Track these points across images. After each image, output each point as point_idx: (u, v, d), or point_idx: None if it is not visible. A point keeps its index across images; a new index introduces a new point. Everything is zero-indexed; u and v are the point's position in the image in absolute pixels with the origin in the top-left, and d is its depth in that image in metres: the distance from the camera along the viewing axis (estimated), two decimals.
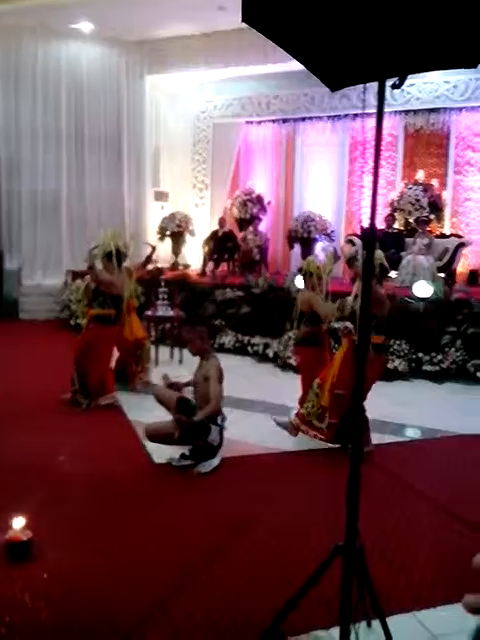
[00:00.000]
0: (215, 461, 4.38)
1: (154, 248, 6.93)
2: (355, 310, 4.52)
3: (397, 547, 3.33)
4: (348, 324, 4.69)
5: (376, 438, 4.93)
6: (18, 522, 3.11)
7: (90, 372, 5.76)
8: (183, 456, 4.40)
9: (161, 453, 4.52)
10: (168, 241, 11.88)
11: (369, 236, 2.22)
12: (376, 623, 2.35)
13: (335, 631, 2.26)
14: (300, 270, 4.98)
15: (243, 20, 2.03)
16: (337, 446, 4.80)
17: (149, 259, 6.81)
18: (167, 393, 4.58)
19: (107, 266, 5.80)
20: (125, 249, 5.94)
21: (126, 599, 2.76)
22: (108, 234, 5.88)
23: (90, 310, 5.87)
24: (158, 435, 4.46)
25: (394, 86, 2.13)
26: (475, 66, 2.09)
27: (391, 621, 2.28)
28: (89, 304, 5.94)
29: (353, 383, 4.19)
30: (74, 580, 2.90)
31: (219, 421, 4.42)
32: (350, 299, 4.75)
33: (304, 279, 5.34)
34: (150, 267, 7.49)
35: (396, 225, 10.54)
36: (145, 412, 5.27)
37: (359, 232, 10.23)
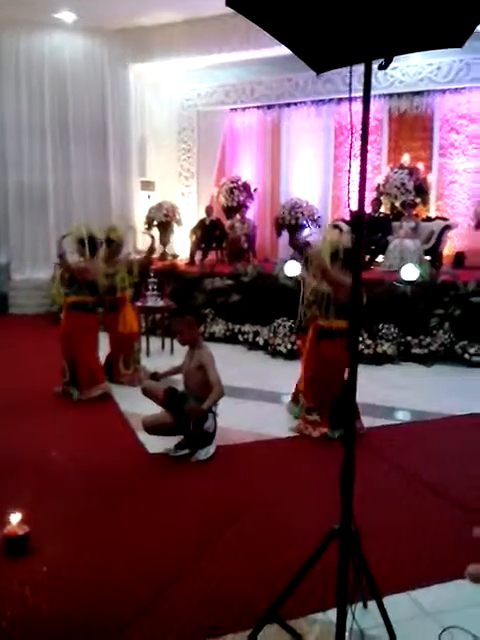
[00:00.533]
0: (212, 448, 4.42)
1: (153, 237, 6.95)
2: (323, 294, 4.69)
3: (391, 528, 3.39)
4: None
5: (367, 422, 4.98)
6: (15, 517, 3.13)
7: (78, 362, 5.76)
8: (179, 446, 4.43)
9: (155, 444, 4.55)
10: (155, 231, 11.84)
11: (358, 220, 2.23)
12: (372, 604, 2.40)
13: (332, 613, 2.31)
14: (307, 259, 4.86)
15: (227, 4, 2.02)
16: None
17: (152, 250, 6.80)
18: (153, 385, 4.61)
19: (80, 253, 5.83)
20: (99, 236, 5.95)
21: (124, 589, 2.80)
22: (81, 223, 5.96)
23: (67, 298, 5.85)
24: (155, 426, 4.49)
25: (380, 67, 2.13)
26: (461, 45, 2.09)
27: (387, 601, 2.32)
28: (66, 292, 5.90)
29: (320, 367, 4.23)
30: (72, 573, 2.93)
31: (213, 408, 4.46)
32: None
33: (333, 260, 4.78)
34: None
35: (382, 209, 10.56)
36: (138, 402, 5.26)
37: (348, 217, 10.25)
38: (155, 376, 4.70)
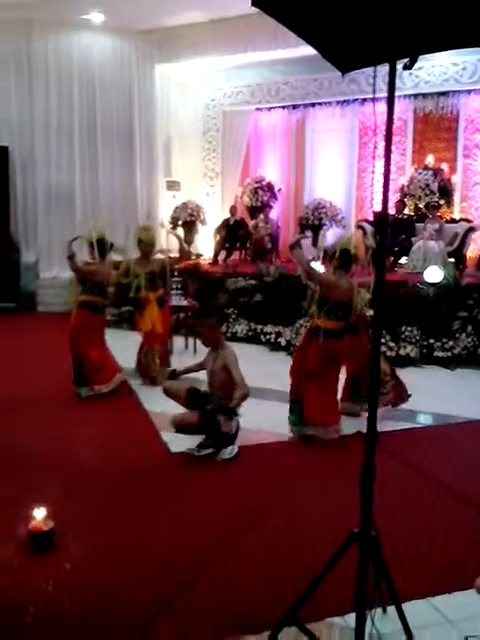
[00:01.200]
0: (235, 448, 4.48)
1: (180, 238, 6.99)
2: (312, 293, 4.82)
3: (411, 533, 3.38)
4: None
5: (389, 425, 4.97)
6: (40, 512, 3.19)
7: (83, 360, 5.87)
8: (202, 445, 4.47)
9: (178, 443, 4.59)
10: (180, 231, 11.90)
11: (382, 221, 2.23)
12: (391, 609, 2.40)
13: (351, 617, 2.32)
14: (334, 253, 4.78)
15: (253, 4, 2.02)
16: (351, 433, 4.86)
17: (183, 250, 6.81)
18: (174, 385, 4.68)
19: (91, 255, 6.00)
20: (108, 239, 6.10)
21: (146, 587, 2.84)
22: (92, 225, 6.20)
23: (78, 297, 6.00)
24: (183, 425, 4.57)
25: (405, 67, 2.13)
26: None
27: (406, 607, 2.33)
28: (78, 291, 6.05)
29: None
30: (95, 569, 2.98)
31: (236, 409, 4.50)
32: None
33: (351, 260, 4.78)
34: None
35: (406, 211, 10.49)
36: (161, 401, 5.31)
37: (371, 217, 10.20)
38: (174, 374, 4.76)
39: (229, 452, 4.42)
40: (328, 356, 4.72)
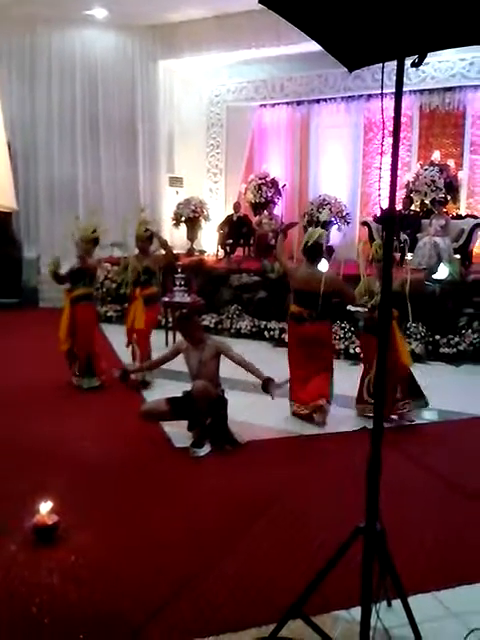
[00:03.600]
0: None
1: (153, 233, 6.88)
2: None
3: (416, 528, 3.37)
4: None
5: (395, 421, 4.95)
6: (44, 506, 3.19)
7: (92, 351, 6.04)
8: (197, 445, 4.43)
9: (181, 438, 4.58)
10: (183, 227, 11.90)
11: (388, 217, 2.22)
12: (396, 603, 2.39)
13: (356, 611, 2.31)
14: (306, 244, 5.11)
15: (260, 2, 2.01)
16: (356, 429, 4.85)
17: (165, 245, 6.71)
18: (152, 406, 4.71)
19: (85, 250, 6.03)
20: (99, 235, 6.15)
21: (150, 580, 2.83)
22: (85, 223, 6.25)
23: (72, 292, 6.02)
24: (153, 415, 4.64)
25: (414, 64, 2.11)
26: None
27: (411, 601, 2.31)
28: (70, 288, 6.09)
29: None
30: (99, 563, 2.97)
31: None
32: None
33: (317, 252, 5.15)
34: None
35: (412, 207, 10.45)
36: (164, 395, 5.32)
37: (379, 214, 10.17)
38: (125, 375, 4.78)
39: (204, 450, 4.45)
40: (294, 337, 5.24)
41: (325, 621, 2.50)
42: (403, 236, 5.18)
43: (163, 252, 6.58)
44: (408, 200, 10.26)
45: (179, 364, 4.86)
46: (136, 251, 6.34)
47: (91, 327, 6.11)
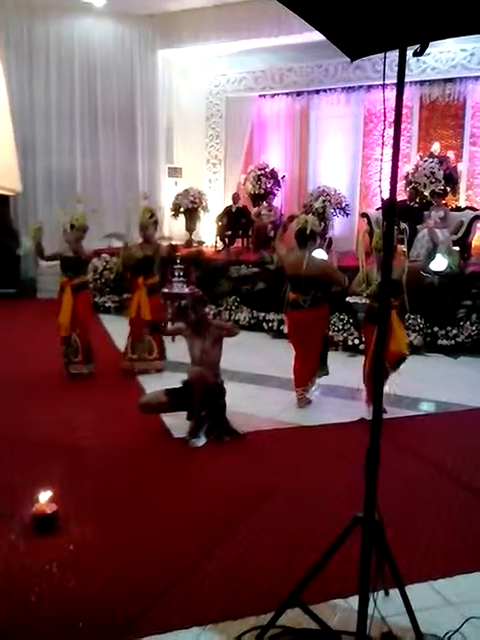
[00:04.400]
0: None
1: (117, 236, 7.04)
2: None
3: (414, 518, 3.39)
4: None
5: (392, 412, 4.96)
6: (43, 496, 3.20)
7: (90, 338, 6.12)
8: (194, 434, 4.45)
9: (180, 428, 4.59)
10: (182, 218, 11.87)
11: (389, 208, 2.22)
12: (394, 592, 2.41)
13: (354, 599, 2.32)
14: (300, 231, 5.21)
15: None
16: (354, 420, 4.87)
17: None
18: (151, 398, 4.68)
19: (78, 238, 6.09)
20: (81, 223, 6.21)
21: (148, 569, 2.85)
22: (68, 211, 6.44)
23: (72, 281, 6.00)
24: (152, 406, 4.62)
25: (416, 53, 2.10)
26: None
27: (409, 590, 2.32)
28: (69, 276, 6.07)
29: None
30: (99, 551, 2.99)
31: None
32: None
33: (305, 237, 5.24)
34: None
35: (417, 198, 10.40)
36: (164, 386, 5.33)
37: (379, 205, 10.14)
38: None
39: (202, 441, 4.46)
40: (290, 322, 5.52)
41: (323, 610, 2.52)
42: (402, 225, 5.12)
43: (165, 241, 6.58)
44: (414, 192, 10.21)
45: (179, 354, 4.86)
46: (139, 240, 6.31)
47: (90, 314, 6.19)
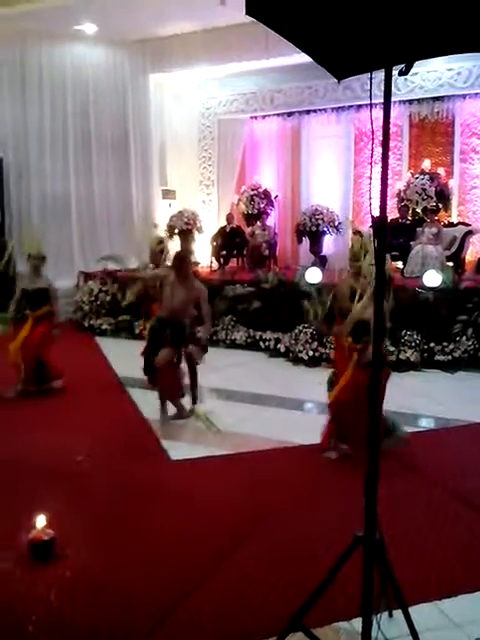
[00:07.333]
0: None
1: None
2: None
3: (416, 537, 3.35)
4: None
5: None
6: (40, 522, 3.16)
7: (48, 361, 6.17)
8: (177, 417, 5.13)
9: (178, 450, 4.56)
10: (177, 239, 11.89)
11: (380, 226, 2.22)
12: (398, 613, 2.37)
13: (357, 622, 2.29)
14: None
15: (247, 13, 2.01)
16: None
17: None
18: (164, 354, 5.10)
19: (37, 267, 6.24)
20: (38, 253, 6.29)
21: (148, 595, 2.80)
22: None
23: (35, 313, 6.08)
24: (168, 362, 5.13)
25: (401, 73, 2.12)
26: None
27: (413, 611, 2.29)
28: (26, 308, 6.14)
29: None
30: (96, 578, 2.94)
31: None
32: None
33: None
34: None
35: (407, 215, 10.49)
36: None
37: (370, 223, 10.19)
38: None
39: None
40: None
41: (326, 633, 2.48)
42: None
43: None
44: (405, 208, 10.30)
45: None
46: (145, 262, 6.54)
47: (50, 337, 6.14)
